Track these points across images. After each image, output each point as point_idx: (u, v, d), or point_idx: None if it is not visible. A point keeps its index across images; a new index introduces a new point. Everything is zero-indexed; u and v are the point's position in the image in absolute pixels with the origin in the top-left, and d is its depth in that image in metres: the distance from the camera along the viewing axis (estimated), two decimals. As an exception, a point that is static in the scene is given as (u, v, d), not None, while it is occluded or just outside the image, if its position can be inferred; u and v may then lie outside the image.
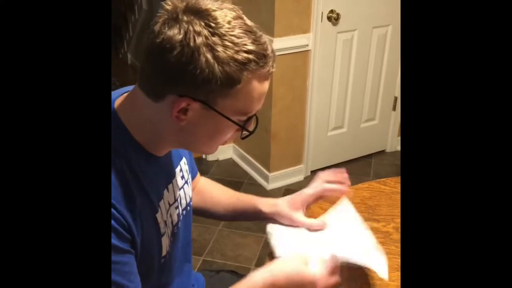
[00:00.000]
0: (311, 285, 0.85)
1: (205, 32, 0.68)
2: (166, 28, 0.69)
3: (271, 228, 1.02)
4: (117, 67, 4.58)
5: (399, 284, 0.96)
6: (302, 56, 2.49)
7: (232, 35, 0.69)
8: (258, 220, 1.09)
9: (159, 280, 0.89)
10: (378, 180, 1.33)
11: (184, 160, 0.96)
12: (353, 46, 2.64)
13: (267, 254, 1.05)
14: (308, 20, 2.43)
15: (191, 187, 0.99)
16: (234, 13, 0.71)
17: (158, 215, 0.84)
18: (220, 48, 0.68)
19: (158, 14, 0.72)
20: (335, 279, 0.87)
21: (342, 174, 1.05)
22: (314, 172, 2.83)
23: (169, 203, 0.88)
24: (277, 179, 2.71)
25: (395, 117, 3.01)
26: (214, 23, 0.69)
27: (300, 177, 2.78)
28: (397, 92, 2.94)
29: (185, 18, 0.69)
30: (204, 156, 2.95)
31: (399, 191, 1.26)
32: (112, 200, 0.72)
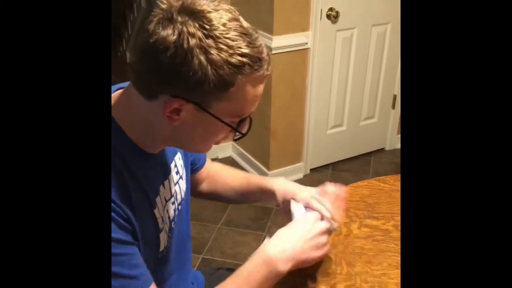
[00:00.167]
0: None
1: (199, 34, 0.67)
2: (160, 28, 0.68)
3: (294, 205, 1.01)
4: (116, 66, 4.57)
5: (399, 281, 0.97)
6: (301, 54, 2.49)
7: (226, 38, 0.68)
8: (268, 198, 1.09)
9: (156, 275, 0.89)
10: (377, 178, 1.33)
11: (178, 155, 0.96)
12: (353, 44, 2.64)
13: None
14: (307, 18, 2.42)
15: (186, 182, 0.99)
16: (230, 15, 0.70)
17: (156, 211, 0.84)
18: (214, 51, 0.67)
19: (153, 13, 0.72)
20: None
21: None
22: (313, 170, 2.83)
23: (165, 199, 0.88)
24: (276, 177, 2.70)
25: (394, 115, 3.01)
26: (209, 25, 0.68)
27: (299, 175, 2.78)
28: (396, 90, 2.94)
29: (179, 18, 0.68)
30: (203, 155, 2.94)
31: (399, 189, 1.26)
32: None
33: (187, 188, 0.99)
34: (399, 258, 1.02)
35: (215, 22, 0.68)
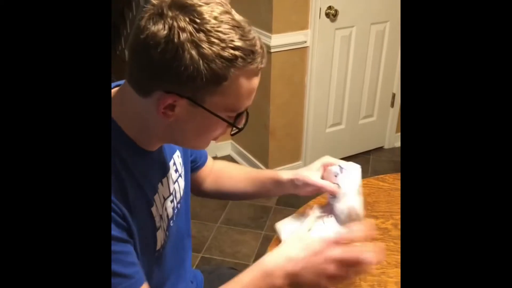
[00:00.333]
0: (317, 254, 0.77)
1: (190, 28, 0.67)
2: (151, 24, 0.68)
3: (279, 225, 1.01)
4: (115, 64, 4.57)
5: (398, 280, 0.97)
6: (300, 52, 2.48)
7: (218, 31, 0.67)
8: (277, 193, 1.08)
9: (152, 274, 0.89)
10: (376, 176, 1.33)
11: (177, 153, 0.95)
12: (351, 43, 2.64)
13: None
14: (306, 16, 2.42)
15: (185, 180, 0.99)
16: (221, 8, 0.70)
17: (153, 209, 0.84)
18: (205, 45, 0.67)
19: (144, 9, 0.71)
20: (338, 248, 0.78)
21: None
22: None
23: (164, 197, 0.88)
24: (275, 176, 2.70)
25: (393, 114, 3.01)
26: (200, 19, 0.67)
27: (298, 174, 2.78)
28: (395, 89, 2.94)
29: (170, 13, 0.68)
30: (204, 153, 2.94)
31: (398, 187, 1.26)
32: None
33: (186, 187, 0.99)
34: (398, 257, 1.02)
35: (206, 16, 0.68)
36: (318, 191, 1.01)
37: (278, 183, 1.04)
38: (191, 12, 0.68)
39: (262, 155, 2.70)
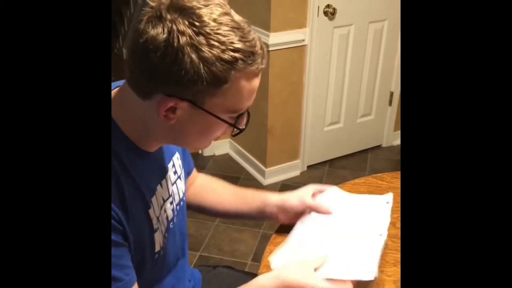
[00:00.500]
0: None
1: (189, 31, 0.66)
2: (150, 27, 0.67)
3: (271, 258, 1.00)
4: (113, 62, 4.56)
5: (396, 279, 0.97)
6: (298, 51, 2.48)
7: (218, 34, 0.67)
8: (258, 216, 1.09)
9: (151, 275, 0.89)
10: (374, 175, 1.32)
11: (177, 155, 0.95)
12: (350, 41, 2.64)
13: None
14: (305, 15, 2.42)
15: (184, 182, 0.98)
16: (220, 10, 0.69)
17: (151, 211, 0.83)
18: (205, 48, 0.66)
19: (142, 12, 0.70)
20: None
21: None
22: (310, 167, 2.83)
23: (163, 199, 0.87)
24: (273, 174, 2.70)
25: (391, 112, 3.01)
26: (199, 22, 0.67)
27: (296, 172, 2.78)
28: (393, 87, 2.94)
29: (168, 16, 0.67)
30: (200, 152, 2.94)
31: (396, 186, 1.26)
32: None
33: (185, 189, 0.99)
34: (396, 256, 1.02)
35: (205, 18, 0.67)
36: (299, 216, 1.06)
37: (264, 204, 1.06)
38: (190, 14, 0.67)
39: (260, 153, 2.70)
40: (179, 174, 0.95)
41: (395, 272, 0.98)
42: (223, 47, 0.67)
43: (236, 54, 0.68)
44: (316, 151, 2.82)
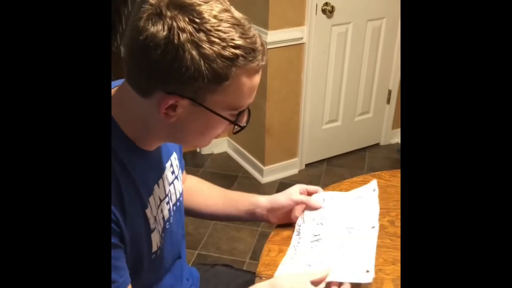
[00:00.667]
0: None
1: (190, 28, 0.66)
2: (150, 25, 0.67)
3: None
4: (111, 61, 4.55)
5: (394, 277, 0.97)
6: (296, 49, 2.48)
7: (218, 30, 0.67)
8: (248, 217, 1.10)
9: (149, 276, 0.89)
10: (372, 173, 1.33)
11: (174, 155, 0.95)
12: (348, 39, 2.63)
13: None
14: (303, 12, 2.42)
15: (181, 182, 0.98)
16: (220, 6, 0.69)
17: (148, 211, 0.83)
18: (206, 45, 0.66)
19: (142, 9, 0.70)
20: None
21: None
22: (308, 166, 2.83)
23: (160, 199, 0.87)
24: (271, 173, 2.70)
25: (389, 110, 3.01)
26: (199, 18, 0.67)
27: (294, 171, 2.78)
28: (391, 85, 2.94)
29: (168, 13, 0.67)
30: (198, 150, 2.94)
31: (394, 184, 1.26)
32: None
33: (182, 189, 0.99)
34: (395, 254, 1.02)
35: (205, 15, 0.67)
36: (289, 216, 1.09)
37: (254, 206, 1.07)
38: (190, 11, 0.67)
39: (258, 152, 2.70)
40: (176, 174, 0.94)
41: (393, 270, 0.98)
42: (224, 44, 0.67)
43: (237, 51, 0.68)
44: (314, 149, 2.82)
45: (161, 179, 0.88)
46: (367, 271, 0.88)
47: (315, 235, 1.01)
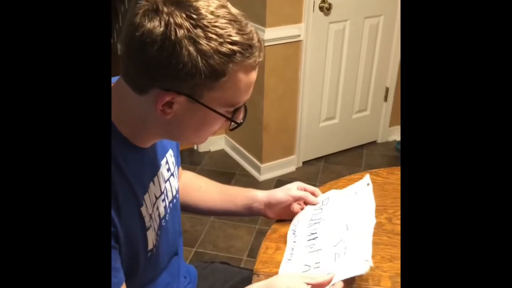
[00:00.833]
0: None
1: (187, 24, 0.66)
2: (146, 20, 0.67)
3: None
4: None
5: (392, 274, 0.97)
6: (293, 46, 2.48)
7: (215, 26, 0.67)
8: (245, 212, 1.10)
9: (145, 274, 0.88)
10: (370, 171, 1.32)
11: (170, 152, 0.94)
12: (345, 37, 2.63)
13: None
14: (300, 10, 2.41)
15: (177, 179, 0.98)
16: (217, 2, 0.69)
17: (143, 209, 0.82)
18: (203, 41, 0.66)
19: (138, 5, 0.70)
20: None
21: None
22: (306, 163, 2.83)
23: (155, 196, 0.86)
24: (269, 170, 2.70)
25: (387, 108, 3.01)
26: (196, 14, 0.66)
27: (292, 168, 2.78)
28: (389, 83, 2.94)
29: (165, 9, 0.66)
30: (195, 147, 2.93)
31: (391, 181, 1.26)
32: None
33: (178, 186, 0.98)
34: (392, 251, 1.02)
35: (202, 11, 0.67)
36: (286, 211, 1.08)
37: (251, 201, 1.07)
38: (187, 7, 0.67)
39: (255, 149, 2.70)
40: (172, 172, 0.94)
41: (390, 267, 0.98)
42: (221, 40, 0.67)
43: (234, 47, 0.68)
44: (312, 147, 2.82)
45: (156, 177, 0.87)
46: (366, 260, 0.87)
47: (312, 233, 1.01)
